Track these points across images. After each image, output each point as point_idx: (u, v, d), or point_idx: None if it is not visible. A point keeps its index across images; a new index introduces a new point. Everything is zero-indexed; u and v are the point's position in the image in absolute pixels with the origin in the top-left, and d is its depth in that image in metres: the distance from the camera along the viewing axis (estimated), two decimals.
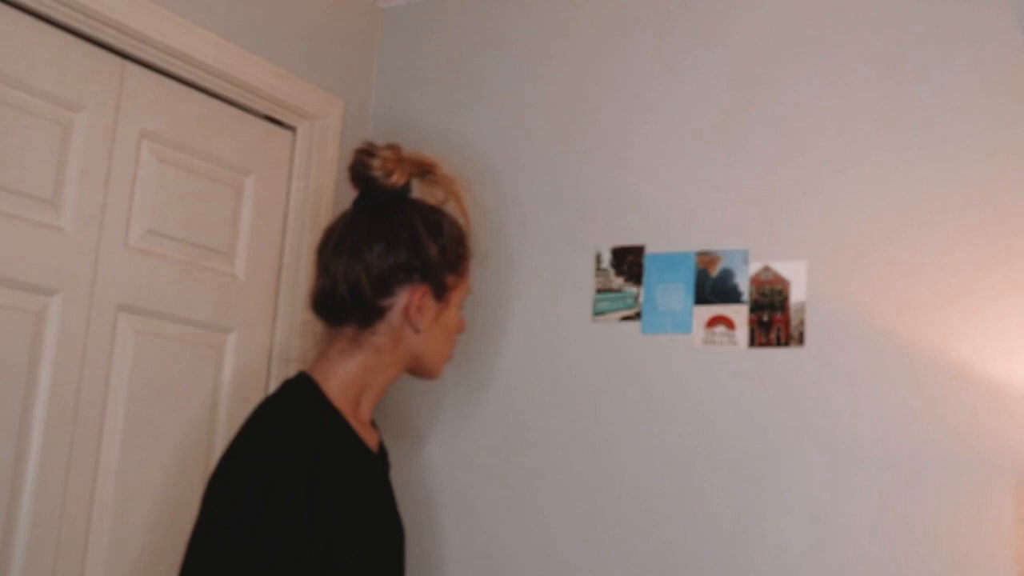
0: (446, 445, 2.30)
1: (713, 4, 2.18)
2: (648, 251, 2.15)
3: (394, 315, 1.42)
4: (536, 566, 2.14)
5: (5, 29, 1.79)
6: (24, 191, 1.80)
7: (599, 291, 2.18)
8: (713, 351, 2.05)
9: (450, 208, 1.52)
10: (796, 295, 1.99)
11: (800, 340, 1.97)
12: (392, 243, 1.41)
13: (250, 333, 2.25)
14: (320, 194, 2.38)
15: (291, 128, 2.38)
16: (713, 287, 2.07)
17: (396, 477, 2.32)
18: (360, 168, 1.45)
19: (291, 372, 1.50)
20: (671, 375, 2.08)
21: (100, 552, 1.91)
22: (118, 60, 1.98)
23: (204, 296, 2.14)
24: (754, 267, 2.03)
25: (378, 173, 1.44)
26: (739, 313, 2.03)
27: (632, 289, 2.15)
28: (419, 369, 1.49)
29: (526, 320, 2.26)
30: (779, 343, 1.99)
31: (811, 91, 2.05)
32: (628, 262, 2.16)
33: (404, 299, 1.41)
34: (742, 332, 2.02)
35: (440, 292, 1.44)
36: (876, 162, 1.97)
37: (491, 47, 2.44)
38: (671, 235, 2.14)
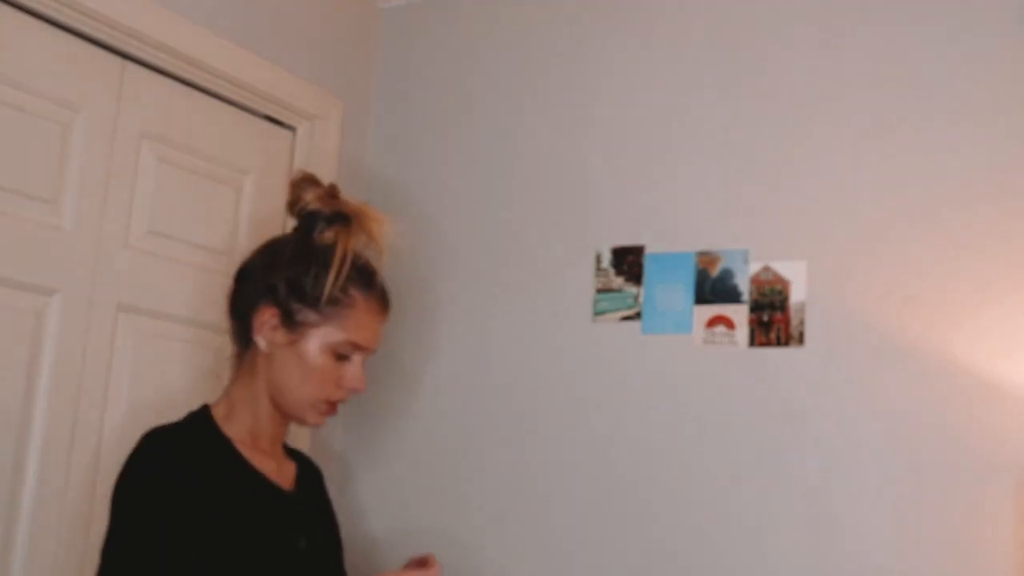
0: (446, 445, 2.30)
1: (713, 6, 2.18)
2: (648, 251, 2.15)
3: (257, 337, 1.47)
4: (535, 564, 2.14)
5: (5, 29, 1.78)
6: (24, 191, 1.80)
7: (599, 291, 2.18)
8: (713, 351, 2.05)
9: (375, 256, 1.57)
10: (796, 295, 1.99)
11: (800, 340, 1.97)
12: (255, 262, 1.52)
13: None
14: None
15: (291, 128, 2.38)
16: (713, 287, 2.07)
17: (395, 474, 2.31)
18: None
19: None
20: (671, 375, 2.08)
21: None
22: (118, 60, 1.98)
23: (204, 296, 2.14)
24: (754, 267, 2.03)
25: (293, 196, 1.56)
26: (739, 313, 2.03)
27: (632, 289, 2.15)
28: (282, 404, 1.49)
29: (526, 320, 2.26)
30: (779, 343, 1.99)
31: (811, 91, 2.05)
32: (628, 262, 2.16)
33: (256, 318, 1.47)
34: (742, 332, 2.02)
35: (290, 320, 1.46)
36: (876, 162, 1.97)
37: (491, 47, 2.44)
38: (671, 235, 2.14)
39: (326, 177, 2.38)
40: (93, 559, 1.89)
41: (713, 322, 2.05)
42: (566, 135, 2.30)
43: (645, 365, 2.11)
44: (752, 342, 2.01)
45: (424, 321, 2.37)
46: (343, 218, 1.52)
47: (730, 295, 2.05)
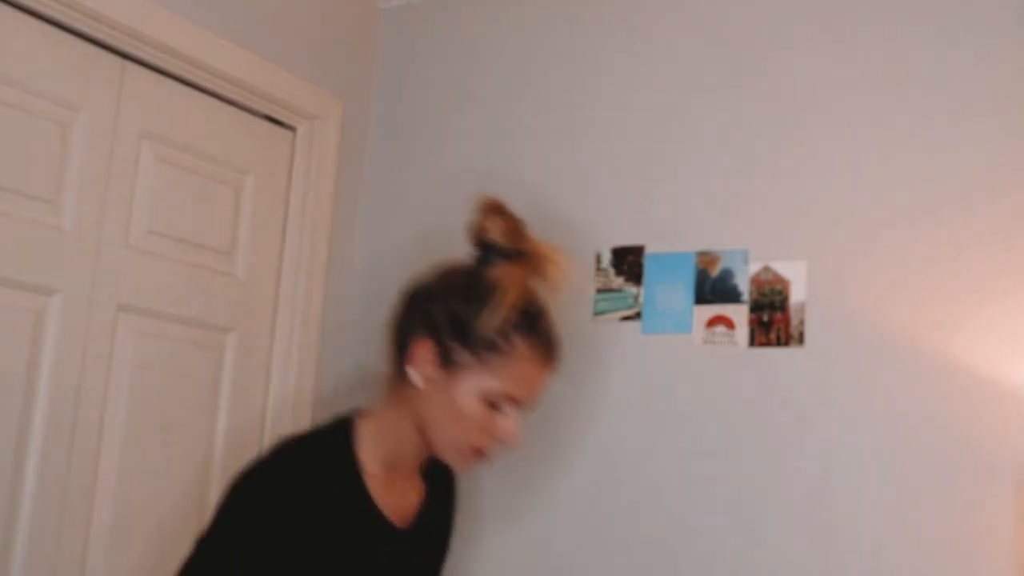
0: None
1: (714, 6, 2.18)
2: (648, 251, 2.15)
3: (410, 369, 1.35)
4: (534, 562, 2.14)
5: (5, 29, 1.79)
6: (24, 191, 1.80)
7: (599, 291, 2.18)
8: (713, 351, 2.05)
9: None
10: (796, 295, 1.99)
11: (800, 340, 1.97)
12: (424, 288, 1.40)
13: (250, 333, 2.25)
14: (320, 194, 2.38)
15: (291, 128, 2.38)
16: (713, 287, 2.07)
17: None
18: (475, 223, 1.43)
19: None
20: (671, 375, 2.08)
21: (100, 551, 1.91)
22: (118, 60, 1.98)
23: (204, 296, 2.14)
24: (754, 267, 2.03)
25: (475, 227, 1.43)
26: (739, 313, 2.03)
27: (632, 289, 2.15)
28: (428, 439, 1.37)
29: None
30: (779, 343, 1.99)
31: (811, 92, 2.05)
32: (628, 262, 2.16)
33: (412, 348, 1.35)
34: (742, 332, 2.02)
35: (446, 358, 1.33)
36: (875, 162, 1.97)
37: (491, 47, 2.44)
38: (671, 235, 2.14)
39: (326, 176, 2.40)
40: (94, 558, 1.89)
41: (713, 322, 2.05)
42: (566, 135, 2.30)
43: (645, 365, 2.11)
44: (752, 342, 2.01)
45: None
46: (519, 256, 1.40)
47: (730, 295, 2.05)
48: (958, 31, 1.94)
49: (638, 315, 2.13)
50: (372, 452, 1.37)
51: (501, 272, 1.37)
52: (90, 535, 1.89)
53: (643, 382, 2.11)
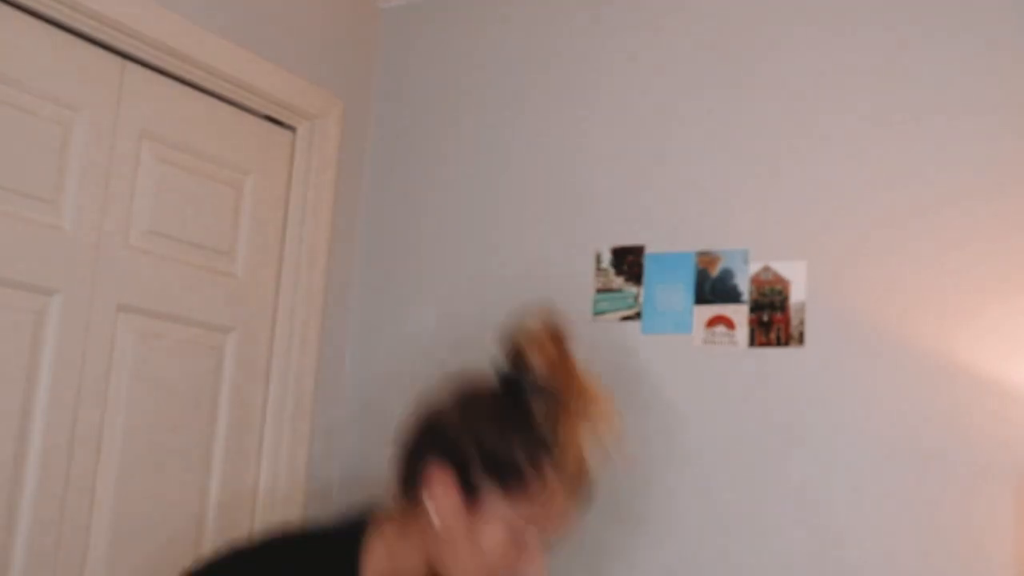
0: None
1: (713, 7, 2.19)
2: (648, 251, 2.15)
3: (425, 498, 1.24)
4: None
5: (5, 30, 1.79)
6: (24, 191, 1.80)
7: (599, 291, 2.18)
8: (713, 351, 2.05)
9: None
10: (796, 295, 1.99)
11: (800, 340, 1.97)
12: (448, 416, 1.27)
13: (250, 333, 2.25)
14: (320, 194, 2.38)
15: (291, 128, 2.38)
16: (713, 287, 2.07)
17: None
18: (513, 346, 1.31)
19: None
20: (671, 375, 2.08)
21: (100, 552, 1.91)
22: (118, 60, 1.98)
23: (204, 296, 2.14)
24: (754, 267, 2.04)
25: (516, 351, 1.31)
26: (739, 313, 2.03)
27: (632, 289, 2.15)
28: (442, 570, 1.26)
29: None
30: (779, 343, 1.99)
31: (810, 91, 2.05)
32: (628, 262, 2.16)
33: (430, 475, 1.24)
34: (742, 332, 2.03)
35: (469, 489, 1.22)
36: (875, 162, 1.97)
37: (491, 47, 2.44)
38: (671, 235, 2.14)
39: (326, 177, 2.40)
40: (93, 559, 1.89)
41: (713, 322, 2.06)
42: (566, 135, 2.30)
43: (645, 365, 2.11)
44: (752, 342, 2.01)
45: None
46: (561, 395, 1.28)
47: (730, 295, 2.05)
48: (958, 30, 1.94)
49: (638, 315, 2.13)
50: (375, 570, 1.27)
51: (547, 410, 1.26)
52: (90, 535, 1.90)
53: (643, 382, 2.11)
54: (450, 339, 2.35)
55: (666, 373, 2.09)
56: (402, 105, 2.54)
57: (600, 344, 2.17)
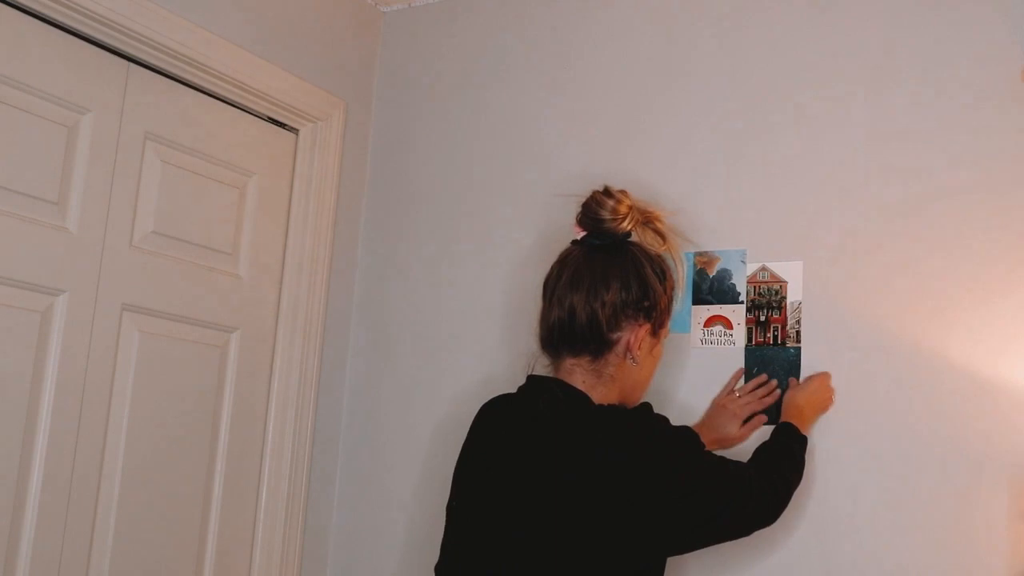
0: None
1: (714, 6, 2.20)
2: None
3: (619, 348, 1.56)
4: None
5: (11, 33, 1.81)
6: (30, 192, 1.83)
7: None
8: (711, 351, 2.06)
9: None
10: (793, 295, 2.00)
11: (797, 339, 1.98)
12: (625, 283, 1.55)
13: (253, 332, 2.27)
14: (322, 195, 2.40)
15: (294, 130, 2.40)
16: (711, 287, 2.08)
17: None
18: (594, 210, 1.60)
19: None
20: (669, 375, 2.09)
21: (105, 548, 1.93)
22: (122, 62, 2.00)
23: (208, 296, 2.16)
24: (751, 267, 2.05)
25: (607, 216, 1.59)
26: (737, 313, 2.05)
27: None
28: (629, 398, 1.61)
29: (526, 320, 2.27)
30: (776, 343, 2.00)
31: (807, 91, 2.06)
32: None
33: (628, 335, 1.56)
34: (740, 332, 2.04)
35: (656, 329, 1.60)
36: (872, 162, 1.98)
37: (492, 50, 2.46)
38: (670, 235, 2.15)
39: (329, 178, 2.42)
40: (98, 556, 1.91)
41: (711, 322, 2.07)
42: (567, 136, 2.31)
43: None
44: (750, 342, 2.03)
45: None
46: (650, 221, 1.67)
47: (728, 295, 2.06)
48: (956, 28, 1.95)
49: None
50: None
51: (657, 243, 1.66)
52: (95, 533, 1.92)
53: None
54: (451, 334, 2.37)
55: (664, 373, 2.10)
56: (403, 107, 2.55)
57: None
